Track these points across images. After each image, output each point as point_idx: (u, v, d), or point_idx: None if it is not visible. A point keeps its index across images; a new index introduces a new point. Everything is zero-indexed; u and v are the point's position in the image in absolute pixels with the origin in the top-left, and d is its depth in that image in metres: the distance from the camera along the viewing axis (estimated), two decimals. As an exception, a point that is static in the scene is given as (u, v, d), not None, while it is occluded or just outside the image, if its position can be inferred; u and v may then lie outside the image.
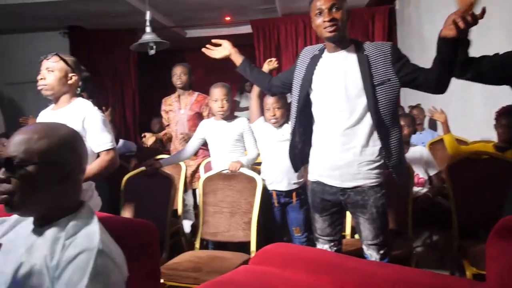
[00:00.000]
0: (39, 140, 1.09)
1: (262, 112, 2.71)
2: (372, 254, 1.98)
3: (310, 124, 2.06)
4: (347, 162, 1.90)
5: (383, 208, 1.93)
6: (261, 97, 2.72)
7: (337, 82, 1.89)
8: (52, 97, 2.10)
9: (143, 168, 2.82)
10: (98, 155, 2.04)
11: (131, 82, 6.32)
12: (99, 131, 2.00)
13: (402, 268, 1.42)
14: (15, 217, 1.21)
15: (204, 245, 2.79)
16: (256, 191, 2.57)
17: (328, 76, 1.93)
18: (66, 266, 1.01)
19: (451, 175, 2.53)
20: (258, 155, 2.83)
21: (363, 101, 1.86)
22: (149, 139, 3.31)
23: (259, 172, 2.74)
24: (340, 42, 1.89)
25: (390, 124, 1.88)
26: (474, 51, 1.72)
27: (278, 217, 2.73)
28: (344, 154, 1.90)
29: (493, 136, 2.92)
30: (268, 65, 2.70)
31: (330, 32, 1.82)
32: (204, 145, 3.05)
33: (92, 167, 1.97)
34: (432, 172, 3.09)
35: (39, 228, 1.13)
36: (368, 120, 1.88)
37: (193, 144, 2.95)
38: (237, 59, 2.24)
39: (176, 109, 3.46)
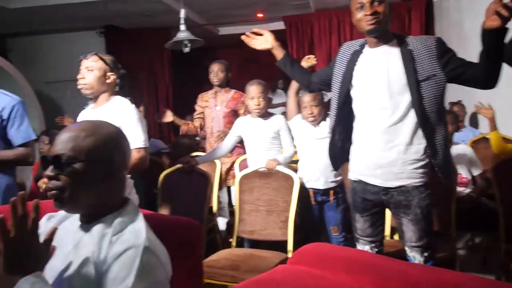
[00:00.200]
0: (86, 138, 1.10)
1: (299, 109, 2.68)
2: (415, 256, 1.91)
3: (350, 122, 2.00)
4: (390, 160, 1.84)
5: (428, 208, 1.86)
6: (298, 94, 2.68)
7: (379, 78, 1.83)
8: (91, 95, 2.13)
9: (179, 165, 2.84)
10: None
11: (165, 80, 6.40)
12: (133, 129, 2.01)
13: (447, 272, 1.36)
14: (62, 213, 1.22)
15: (239, 242, 2.78)
16: (293, 189, 2.54)
17: (369, 72, 1.87)
18: (113, 262, 1.02)
19: (498, 175, 2.42)
20: (295, 153, 2.80)
21: (407, 97, 1.79)
22: (167, 116, 3.34)
23: (295, 171, 2.70)
24: (382, 36, 1.83)
25: (436, 122, 1.80)
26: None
27: (315, 216, 2.69)
28: (387, 152, 1.84)
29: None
30: (306, 62, 2.66)
31: (371, 25, 1.77)
32: (239, 142, 3.04)
33: None
34: (475, 172, 2.97)
35: (86, 224, 1.14)
36: (412, 117, 1.81)
37: (229, 141, 2.94)
38: (279, 53, 2.16)
39: (212, 106, 3.47)
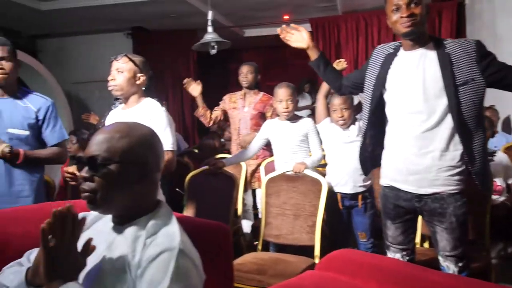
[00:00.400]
0: (120, 139, 1.10)
1: (328, 112, 2.64)
2: (449, 266, 1.85)
3: (382, 126, 1.95)
4: (425, 167, 1.78)
5: (463, 217, 1.79)
6: (328, 98, 2.64)
7: (414, 81, 1.78)
8: (121, 97, 2.14)
9: (206, 167, 2.83)
10: None
11: (190, 82, 6.43)
12: (162, 131, 2.00)
13: (483, 284, 1.31)
14: (94, 213, 1.22)
15: (264, 245, 2.75)
16: (321, 193, 2.50)
17: (404, 75, 1.82)
18: (148, 265, 1.01)
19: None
20: (323, 156, 2.76)
21: (443, 102, 1.74)
22: (195, 87, 3.34)
23: (323, 174, 2.66)
24: (418, 39, 1.77)
25: (474, 127, 1.74)
26: None
27: (342, 221, 2.65)
28: (422, 158, 1.79)
29: None
30: (337, 66, 2.62)
31: (407, 27, 1.72)
32: (265, 145, 3.02)
33: None
34: (511, 180, 2.87)
35: (119, 226, 1.14)
36: (449, 122, 1.75)
37: (256, 143, 2.93)
38: (313, 54, 2.08)
39: (240, 107, 3.46)
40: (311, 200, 2.53)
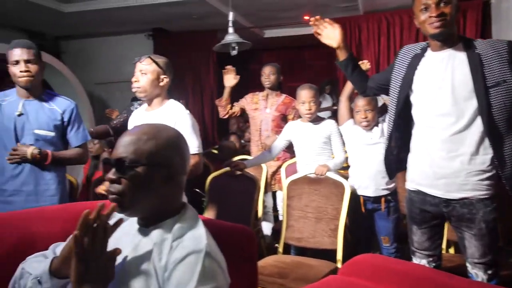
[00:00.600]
0: (148, 141, 1.09)
1: (351, 114, 2.60)
2: (478, 273, 1.79)
3: (408, 128, 1.91)
4: (453, 171, 1.73)
5: (493, 223, 1.74)
6: (351, 99, 2.61)
7: (442, 83, 1.73)
8: (145, 98, 2.14)
9: (227, 168, 2.83)
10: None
11: (210, 82, 6.44)
12: (188, 135, 2.00)
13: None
14: (119, 215, 1.22)
15: (284, 248, 2.73)
16: (343, 197, 2.46)
17: (432, 76, 1.77)
18: (174, 267, 1.01)
19: None
20: (346, 159, 2.72)
21: (473, 104, 1.69)
22: (230, 78, 3.32)
23: (345, 177, 2.63)
24: (447, 39, 1.73)
25: (505, 131, 1.68)
26: None
27: (365, 225, 2.61)
28: (450, 162, 1.74)
29: None
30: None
31: (436, 27, 1.67)
32: (286, 147, 3.00)
33: None
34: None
35: (145, 228, 1.13)
36: (478, 125, 1.70)
37: (278, 145, 2.91)
38: (343, 53, 2.02)
39: (262, 108, 3.45)
40: (333, 203, 2.50)
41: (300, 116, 2.91)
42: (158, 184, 1.09)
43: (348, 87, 2.59)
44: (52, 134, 2.26)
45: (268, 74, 3.43)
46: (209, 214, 2.79)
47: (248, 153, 3.81)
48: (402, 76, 1.86)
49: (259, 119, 3.44)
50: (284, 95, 3.47)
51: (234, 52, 3.94)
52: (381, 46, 5.56)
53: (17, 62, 2.16)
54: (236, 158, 3.54)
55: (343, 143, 2.72)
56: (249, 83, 3.53)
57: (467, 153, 1.72)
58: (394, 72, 1.91)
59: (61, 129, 2.31)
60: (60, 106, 2.31)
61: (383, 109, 2.75)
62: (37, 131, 2.22)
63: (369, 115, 2.50)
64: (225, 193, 2.81)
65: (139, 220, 1.16)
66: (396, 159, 2.00)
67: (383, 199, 2.57)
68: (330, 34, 2.01)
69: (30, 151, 2.16)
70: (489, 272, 1.78)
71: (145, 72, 2.08)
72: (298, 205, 2.59)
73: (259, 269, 2.28)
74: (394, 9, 5.44)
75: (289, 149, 3.19)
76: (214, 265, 1.03)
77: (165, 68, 2.13)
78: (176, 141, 1.15)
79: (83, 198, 3.32)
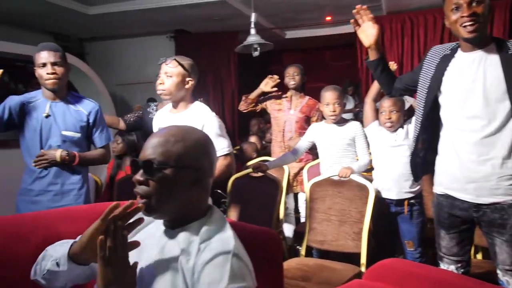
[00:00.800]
0: (176, 143, 1.09)
1: (376, 116, 2.56)
2: (509, 281, 1.74)
3: (435, 130, 1.87)
4: (484, 175, 1.68)
5: (527, 229, 1.68)
6: (376, 101, 2.57)
7: (473, 84, 1.68)
8: (170, 101, 2.15)
9: (249, 170, 2.81)
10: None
11: (231, 83, 6.45)
12: (217, 137, 2.01)
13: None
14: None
15: (306, 251, 2.70)
16: (368, 199, 2.42)
17: (462, 77, 1.72)
18: (202, 269, 1.00)
19: None
20: (370, 161, 2.68)
21: (505, 106, 1.64)
22: (269, 83, 3.37)
23: (369, 180, 2.59)
24: (479, 40, 1.68)
25: None
26: None
27: (389, 228, 2.56)
28: (481, 166, 1.69)
29: None
30: None
31: (470, 32, 1.62)
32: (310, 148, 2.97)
33: None
34: None
35: (171, 230, 1.13)
36: (511, 128, 1.65)
37: (302, 146, 2.89)
38: (374, 53, 1.97)
39: (286, 109, 3.43)
40: (357, 206, 2.46)
41: (323, 118, 2.88)
42: (185, 187, 1.09)
43: (374, 88, 2.55)
44: (78, 135, 2.29)
45: (292, 75, 3.42)
46: (231, 215, 2.79)
47: (269, 154, 3.80)
48: (431, 76, 1.82)
49: (282, 120, 3.43)
50: (307, 97, 3.45)
51: (256, 53, 3.94)
52: (404, 47, 5.46)
53: (44, 65, 2.19)
54: (257, 159, 3.53)
55: (368, 145, 2.68)
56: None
57: (498, 157, 1.66)
58: (422, 73, 1.87)
59: (86, 130, 2.34)
60: (86, 107, 2.34)
61: (410, 112, 2.70)
62: (64, 133, 2.25)
63: (393, 116, 2.46)
64: (247, 194, 2.80)
65: (165, 222, 1.15)
66: (422, 161, 1.95)
67: (406, 202, 2.52)
68: (367, 30, 1.95)
69: (58, 154, 2.20)
70: (521, 279, 1.72)
71: (171, 74, 2.07)
72: (321, 207, 2.56)
73: (282, 271, 2.27)
74: (418, 9, 5.35)
75: (311, 151, 3.17)
76: (242, 267, 1.02)
77: (191, 71, 2.11)
78: (203, 143, 1.15)
79: (106, 197, 3.36)
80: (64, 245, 1.13)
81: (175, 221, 1.13)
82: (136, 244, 1.03)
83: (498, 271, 1.76)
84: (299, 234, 3.07)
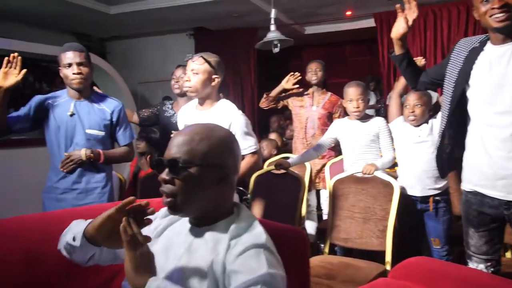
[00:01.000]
0: (201, 142, 1.08)
1: (401, 111, 2.51)
2: (542, 280, 1.68)
3: (462, 126, 1.82)
4: (514, 171, 1.63)
5: (559, 227, 1.62)
6: (402, 96, 2.52)
7: (503, 79, 1.63)
8: (196, 97, 2.13)
9: (271, 167, 2.80)
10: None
11: (251, 80, 6.44)
12: (244, 135, 2.01)
13: None
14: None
15: (330, 248, 2.68)
16: (392, 197, 2.38)
17: (492, 71, 1.67)
18: (235, 260, 1.00)
19: None
20: (394, 158, 2.63)
21: None
22: (291, 80, 3.34)
23: (393, 177, 2.54)
24: (510, 30, 1.62)
25: None
26: None
27: (414, 226, 2.52)
28: (511, 162, 1.64)
29: None
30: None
31: (500, 21, 1.57)
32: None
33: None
34: None
35: (197, 228, 1.13)
36: None
37: (325, 143, 2.86)
38: (400, 48, 1.92)
39: (308, 105, 3.41)
40: (381, 203, 2.42)
41: (346, 114, 2.84)
42: (210, 185, 1.08)
43: (400, 83, 2.50)
44: (102, 133, 2.32)
45: (315, 70, 3.39)
46: (254, 213, 2.78)
47: (289, 151, 3.77)
48: (458, 70, 1.77)
49: (304, 116, 3.40)
50: (329, 93, 3.42)
51: (276, 50, 3.91)
52: (427, 40, 5.36)
53: (69, 65, 2.21)
54: (278, 157, 3.51)
55: (392, 141, 2.63)
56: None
57: None
58: (449, 66, 1.82)
59: (110, 129, 2.36)
60: (109, 106, 2.36)
61: (436, 107, 2.64)
62: (88, 131, 2.28)
63: (417, 110, 2.41)
64: (269, 192, 2.79)
65: (191, 220, 1.15)
66: (448, 157, 1.90)
67: (431, 199, 2.47)
68: (399, 24, 1.88)
69: (83, 152, 2.23)
70: (555, 279, 1.66)
71: (197, 71, 2.05)
72: (345, 204, 2.53)
73: (305, 269, 2.26)
74: (442, 2, 5.23)
75: (334, 147, 3.13)
76: (276, 260, 1.02)
77: (217, 67, 2.09)
78: (228, 140, 1.14)
79: (129, 194, 3.39)
80: (85, 222, 1.15)
81: (201, 219, 1.12)
82: (148, 239, 1.04)
83: (530, 271, 1.71)
84: (321, 231, 3.05)
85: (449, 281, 1.39)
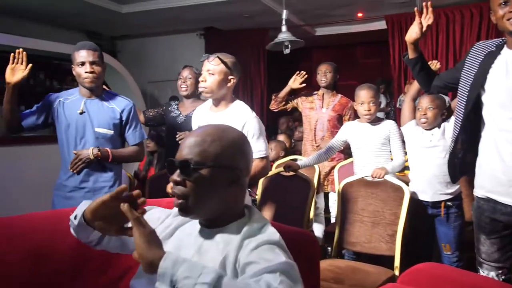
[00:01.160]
0: (213, 143, 1.08)
1: (414, 115, 2.49)
2: (554, 289, 1.65)
3: (475, 130, 1.79)
4: (529, 178, 1.60)
5: None
6: (416, 100, 2.49)
7: None
8: (211, 98, 2.11)
9: (280, 169, 2.79)
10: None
11: (261, 81, 6.43)
12: (256, 139, 1.98)
13: None
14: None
15: (337, 252, 2.65)
16: (402, 201, 2.36)
17: (508, 75, 1.65)
18: (249, 254, 0.99)
19: None
20: (405, 161, 2.60)
21: None
22: (298, 80, 3.33)
23: (404, 181, 2.51)
24: None
25: None
26: None
27: (425, 231, 2.49)
28: (526, 169, 1.61)
29: None
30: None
31: None
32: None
33: None
34: None
35: (207, 229, 1.12)
36: None
37: (334, 146, 2.83)
38: (414, 52, 1.94)
39: (318, 107, 3.39)
40: (391, 207, 2.40)
41: (357, 116, 2.82)
42: (222, 186, 1.07)
43: (414, 87, 2.47)
44: (112, 132, 2.31)
45: (324, 72, 3.36)
46: (264, 214, 2.77)
47: (298, 153, 3.76)
48: (474, 74, 1.75)
49: (314, 118, 3.38)
50: (339, 95, 3.40)
51: (287, 51, 3.90)
52: (439, 44, 5.31)
53: (83, 64, 2.22)
54: (286, 158, 3.49)
55: (403, 145, 2.61)
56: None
57: None
58: (465, 70, 1.79)
59: (120, 128, 2.36)
60: (119, 105, 2.36)
61: (449, 111, 2.60)
62: (97, 130, 2.28)
63: (429, 113, 2.38)
64: (278, 194, 2.77)
65: (201, 221, 1.14)
66: (461, 162, 1.88)
67: (442, 204, 2.44)
68: (413, 28, 1.90)
69: (91, 151, 2.23)
70: None
71: (213, 72, 2.02)
72: (354, 208, 2.51)
73: (313, 273, 2.24)
74: (454, 4, 5.18)
75: (343, 150, 3.11)
76: (289, 258, 1.01)
77: (233, 68, 2.07)
78: (240, 142, 1.13)
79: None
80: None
81: (212, 221, 1.11)
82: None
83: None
84: (329, 234, 3.03)
85: (459, 288, 1.37)
